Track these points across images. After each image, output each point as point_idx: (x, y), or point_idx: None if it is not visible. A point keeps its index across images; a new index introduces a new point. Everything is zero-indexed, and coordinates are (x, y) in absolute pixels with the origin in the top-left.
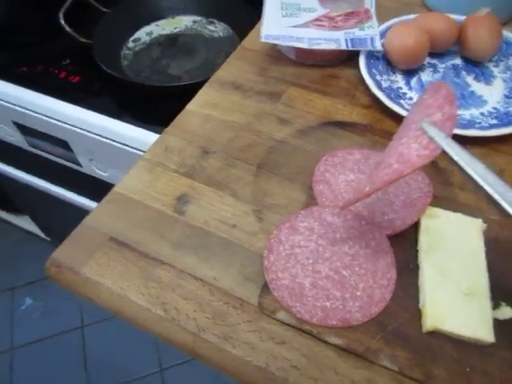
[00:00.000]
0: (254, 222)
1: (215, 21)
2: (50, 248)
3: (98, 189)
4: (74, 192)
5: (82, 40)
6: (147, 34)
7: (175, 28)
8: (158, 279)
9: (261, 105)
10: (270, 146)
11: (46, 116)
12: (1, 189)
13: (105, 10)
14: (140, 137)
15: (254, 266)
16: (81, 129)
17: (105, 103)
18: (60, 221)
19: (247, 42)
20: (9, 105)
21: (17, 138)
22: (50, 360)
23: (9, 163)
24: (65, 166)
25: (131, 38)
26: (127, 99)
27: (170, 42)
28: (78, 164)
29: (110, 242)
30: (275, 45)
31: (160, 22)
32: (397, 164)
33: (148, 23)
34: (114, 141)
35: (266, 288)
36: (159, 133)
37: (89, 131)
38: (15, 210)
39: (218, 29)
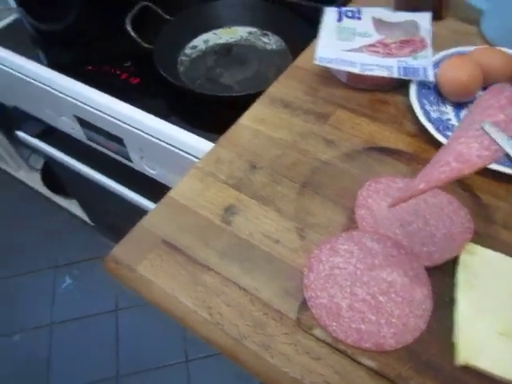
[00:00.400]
0: (295, 239)
1: (269, 33)
2: (92, 232)
3: (145, 184)
4: (123, 185)
5: (145, 45)
6: (204, 41)
7: (231, 38)
8: (205, 284)
9: (308, 124)
10: (315, 166)
11: (104, 113)
12: (55, 173)
13: (167, 17)
14: (189, 141)
15: (294, 281)
16: (135, 128)
17: (159, 106)
18: (106, 209)
19: (300, 60)
20: (73, 100)
21: (77, 131)
22: (85, 338)
23: (66, 152)
24: (117, 160)
25: (189, 45)
26: (180, 104)
27: (225, 51)
28: (130, 160)
29: (162, 244)
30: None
31: (217, 31)
32: (455, 163)
33: (206, 31)
34: (165, 142)
35: (304, 304)
36: (207, 138)
37: (142, 131)
38: (64, 193)
39: (271, 41)
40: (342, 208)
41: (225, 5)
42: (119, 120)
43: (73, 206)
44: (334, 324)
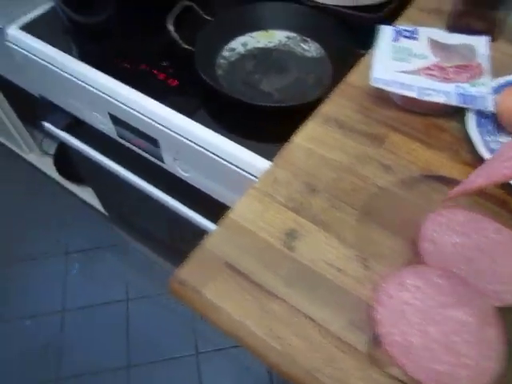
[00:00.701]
0: (358, 269)
1: (309, 40)
2: (103, 220)
3: (171, 183)
4: (147, 181)
5: (185, 46)
6: (242, 44)
7: (269, 42)
8: (272, 312)
9: (363, 147)
10: (373, 193)
11: (142, 114)
12: (71, 161)
13: (207, 17)
14: (226, 147)
15: (360, 313)
16: (173, 131)
17: (197, 109)
18: (124, 201)
19: (351, 77)
20: (108, 97)
21: (107, 127)
22: (96, 326)
23: (92, 146)
24: (146, 158)
25: (227, 47)
26: (219, 108)
27: (264, 56)
28: (162, 161)
29: (225, 267)
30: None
31: (255, 34)
32: None
33: (243, 33)
34: (201, 146)
35: (375, 339)
36: (244, 145)
37: (180, 134)
38: (76, 179)
39: (310, 48)
40: (404, 238)
41: (263, 7)
42: (157, 122)
43: (84, 193)
44: (408, 362)
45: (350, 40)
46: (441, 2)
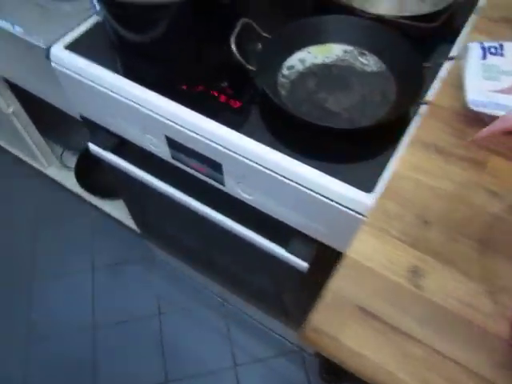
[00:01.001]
0: (489, 304)
1: (366, 53)
2: (128, 232)
3: (227, 203)
4: (198, 200)
5: (249, 67)
6: (300, 61)
7: (327, 57)
8: (413, 355)
9: (466, 173)
10: (487, 221)
11: (205, 137)
12: (93, 173)
13: (265, 34)
14: (298, 169)
15: (501, 351)
16: (240, 155)
17: (264, 131)
18: (161, 217)
19: (438, 98)
20: (166, 120)
21: (161, 150)
22: (129, 342)
23: (138, 165)
24: (201, 180)
25: (286, 65)
26: (287, 129)
27: (324, 72)
28: (222, 183)
29: (357, 310)
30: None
31: (311, 49)
32: None
33: (299, 48)
34: (271, 170)
35: None
36: (314, 167)
37: (248, 158)
38: (99, 193)
39: (369, 62)
40: None
41: (318, 21)
42: (223, 146)
43: (107, 206)
44: None
45: (410, 52)
46: (509, 10)
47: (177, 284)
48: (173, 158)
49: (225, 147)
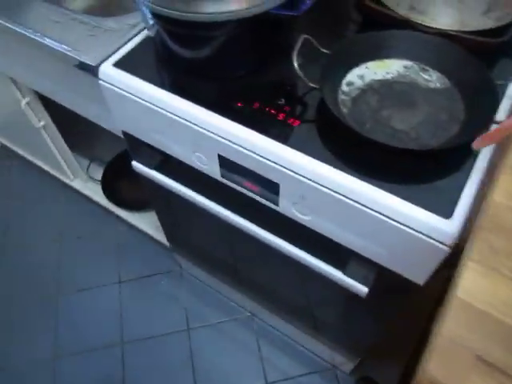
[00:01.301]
0: None
1: (429, 68)
2: (155, 245)
3: (278, 222)
4: (247, 219)
5: (311, 85)
6: (359, 77)
7: (387, 73)
8: None
9: None
10: None
11: (263, 157)
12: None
13: (324, 50)
14: (361, 190)
15: None
16: (298, 174)
17: (325, 151)
18: (196, 232)
19: None
20: (220, 138)
21: (210, 168)
22: (158, 358)
23: (182, 182)
24: (253, 199)
25: (344, 81)
26: (351, 149)
27: (386, 89)
28: (276, 204)
29: (476, 360)
30: None
31: (369, 64)
32: None
33: (357, 64)
34: (333, 190)
35: None
36: (383, 188)
37: (307, 177)
38: (125, 205)
39: (432, 78)
40: None
41: (376, 36)
42: (281, 165)
43: (134, 219)
44: None
45: (479, 69)
46: None
47: (205, 298)
48: (222, 176)
49: (284, 167)
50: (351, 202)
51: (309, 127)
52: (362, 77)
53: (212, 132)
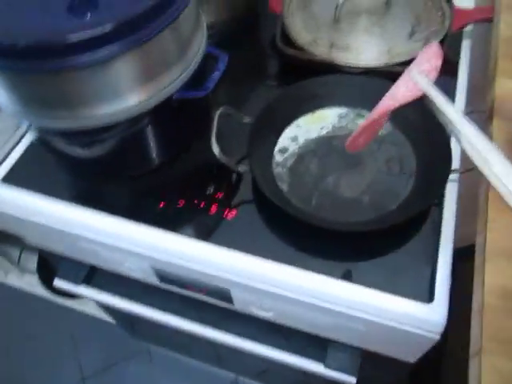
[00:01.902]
0: None
1: (365, 113)
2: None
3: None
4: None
5: (237, 169)
6: (292, 140)
7: (321, 128)
8: None
9: None
10: None
11: (198, 263)
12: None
13: (247, 119)
14: (320, 286)
15: None
16: (247, 278)
17: (271, 243)
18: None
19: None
20: (144, 251)
21: (147, 277)
22: None
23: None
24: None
25: (277, 149)
26: (297, 236)
27: (325, 148)
28: (230, 302)
29: None
30: None
31: (301, 121)
32: (388, 100)
33: (287, 124)
34: (291, 291)
35: None
36: (347, 279)
37: (258, 281)
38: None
39: None
40: None
41: (300, 87)
42: (226, 271)
43: (85, 305)
44: None
45: (415, 103)
46: None
47: (181, 374)
48: (162, 281)
49: (230, 273)
50: (315, 301)
51: (248, 216)
52: (295, 139)
53: (133, 244)
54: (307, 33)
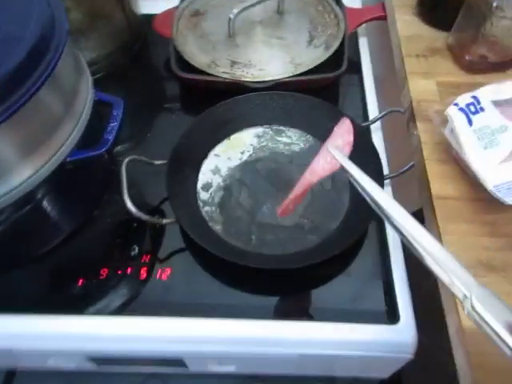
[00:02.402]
0: None
1: (283, 128)
2: None
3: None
4: None
5: (159, 221)
6: (213, 172)
7: (242, 153)
8: None
9: None
10: None
11: (140, 343)
12: None
13: (158, 162)
14: (285, 333)
15: None
16: (199, 343)
17: (220, 298)
18: None
19: (435, 188)
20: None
21: (82, 365)
22: None
23: None
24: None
25: (199, 186)
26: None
27: (251, 175)
28: (183, 366)
29: None
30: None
31: (218, 150)
32: (309, 175)
33: (205, 157)
34: (246, 346)
35: None
36: (307, 318)
37: (211, 343)
38: None
39: (293, 139)
40: None
41: (207, 115)
42: (177, 341)
43: None
44: None
45: (329, 112)
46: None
47: None
48: (100, 365)
49: (182, 342)
50: (279, 350)
51: (185, 269)
52: (216, 170)
53: (60, 340)
54: (203, 54)
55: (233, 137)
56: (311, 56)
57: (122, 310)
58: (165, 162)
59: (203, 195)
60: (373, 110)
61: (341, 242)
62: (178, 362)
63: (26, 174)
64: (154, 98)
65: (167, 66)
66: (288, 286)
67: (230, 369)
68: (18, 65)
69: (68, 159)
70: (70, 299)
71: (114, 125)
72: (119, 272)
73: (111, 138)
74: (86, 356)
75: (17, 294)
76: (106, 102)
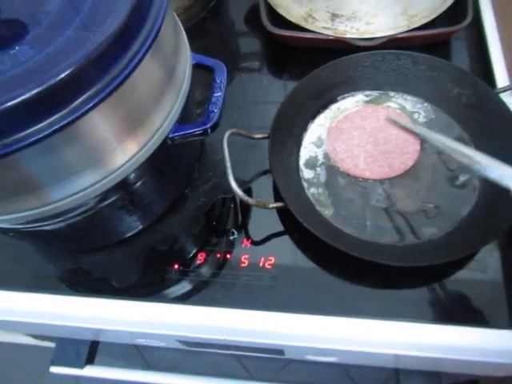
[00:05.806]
0: None
1: (397, 94)
2: None
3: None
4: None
5: (271, 205)
6: (317, 145)
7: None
8: None
9: None
10: None
11: (236, 334)
12: None
13: (257, 136)
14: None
15: None
16: (299, 341)
17: (327, 292)
18: None
19: None
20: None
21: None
22: None
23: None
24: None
25: (301, 162)
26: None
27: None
28: (281, 354)
29: None
30: None
31: (320, 120)
32: None
33: (306, 126)
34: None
35: None
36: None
37: (311, 342)
38: None
39: (407, 108)
40: None
41: (309, 82)
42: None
43: None
44: None
45: (456, 76)
46: None
47: None
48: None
49: (283, 337)
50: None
51: (291, 260)
52: (319, 143)
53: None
54: (297, 5)
55: (338, 103)
56: (427, 5)
57: (224, 303)
58: (265, 135)
59: (307, 173)
60: (500, 75)
61: (476, 234)
62: (277, 351)
63: (131, 151)
64: (238, 58)
65: (252, 20)
66: (406, 284)
67: (330, 360)
68: (121, 25)
69: (170, 135)
70: (165, 285)
71: (218, 95)
72: (215, 256)
73: (217, 110)
74: (186, 343)
75: (109, 278)
76: (206, 66)
